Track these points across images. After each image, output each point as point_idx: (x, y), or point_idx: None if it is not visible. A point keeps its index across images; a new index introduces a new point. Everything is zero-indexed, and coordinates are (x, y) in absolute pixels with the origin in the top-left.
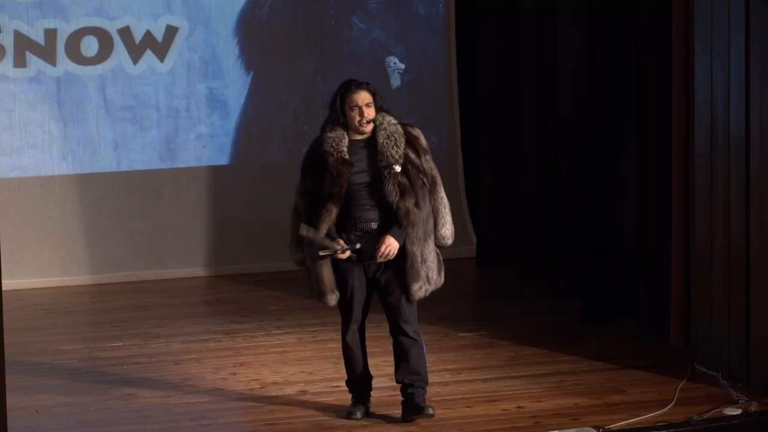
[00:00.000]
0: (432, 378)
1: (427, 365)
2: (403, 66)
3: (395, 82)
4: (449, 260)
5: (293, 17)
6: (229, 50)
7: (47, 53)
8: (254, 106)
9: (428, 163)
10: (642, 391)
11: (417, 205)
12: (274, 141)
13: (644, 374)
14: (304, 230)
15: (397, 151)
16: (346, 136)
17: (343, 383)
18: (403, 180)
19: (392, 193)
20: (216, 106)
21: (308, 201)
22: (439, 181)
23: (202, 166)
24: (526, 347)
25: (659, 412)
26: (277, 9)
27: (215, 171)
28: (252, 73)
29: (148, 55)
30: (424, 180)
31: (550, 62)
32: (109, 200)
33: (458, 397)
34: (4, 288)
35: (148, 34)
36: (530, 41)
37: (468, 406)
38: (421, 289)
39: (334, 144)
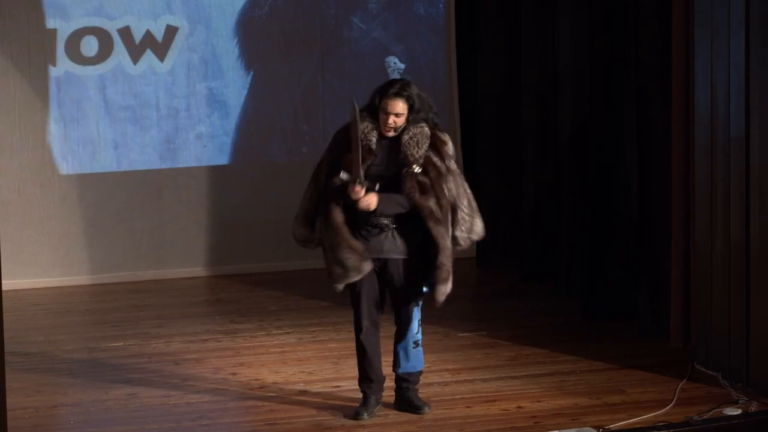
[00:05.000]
0: (432, 378)
1: (428, 365)
2: (403, 66)
3: None
4: None
5: (293, 17)
6: (229, 50)
7: (47, 53)
8: (254, 106)
9: (454, 170)
10: (642, 391)
11: (439, 204)
12: (274, 141)
13: (644, 374)
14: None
15: (417, 152)
16: (377, 130)
17: (343, 383)
18: (424, 179)
19: (412, 190)
20: (216, 106)
21: (328, 176)
22: (463, 185)
23: (202, 166)
24: (526, 347)
25: (659, 412)
26: (277, 9)
27: (215, 171)
28: (252, 73)
29: (148, 55)
30: (446, 183)
31: (550, 62)
32: (109, 200)
33: (458, 397)
34: (4, 288)
35: (148, 34)
36: (530, 41)
37: (468, 406)
38: (442, 298)
39: (364, 132)
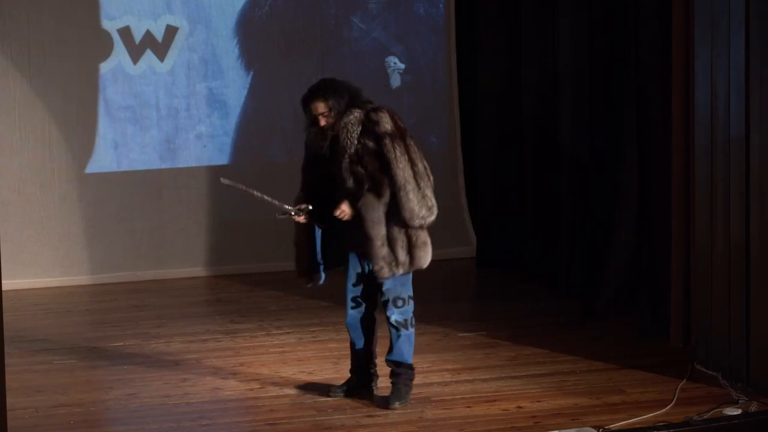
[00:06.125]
0: (432, 378)
1: (428, 365)
2: (403, 66)
3: (395, 82)
4: (449, 260)
5: (293, 17)
6: (229, 50)
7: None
8: (254, 106)
9: (388, 146)
10: (642, 391)
11: (371, 190)
12: (274, 141)
13: (644, 374)
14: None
15: (350, 143)
16: (321, 131)
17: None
18: (357, 169)
19: (347, 180)
20: (216, 106)
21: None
22: (396, 161)
23: (202, 166)
24: (526, 347)
25: (659, 412)
26: (277, 9)
27: (215, 171)
28: (252, 73)
29: (148, 55)
30: (389, 168)
31: (550, 62)
32: (109, 200)
33: (458, 397)
34: (4, 288)
35: (148, 34)
36: (530, 41)
37: (468, 406)
38: (383, 270)
39: (312, 139)
